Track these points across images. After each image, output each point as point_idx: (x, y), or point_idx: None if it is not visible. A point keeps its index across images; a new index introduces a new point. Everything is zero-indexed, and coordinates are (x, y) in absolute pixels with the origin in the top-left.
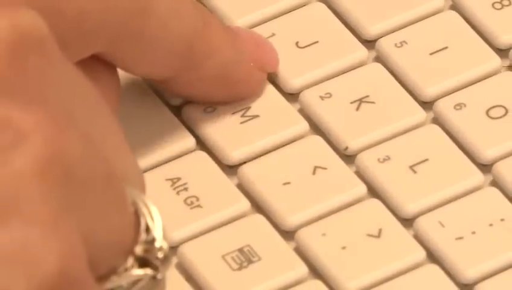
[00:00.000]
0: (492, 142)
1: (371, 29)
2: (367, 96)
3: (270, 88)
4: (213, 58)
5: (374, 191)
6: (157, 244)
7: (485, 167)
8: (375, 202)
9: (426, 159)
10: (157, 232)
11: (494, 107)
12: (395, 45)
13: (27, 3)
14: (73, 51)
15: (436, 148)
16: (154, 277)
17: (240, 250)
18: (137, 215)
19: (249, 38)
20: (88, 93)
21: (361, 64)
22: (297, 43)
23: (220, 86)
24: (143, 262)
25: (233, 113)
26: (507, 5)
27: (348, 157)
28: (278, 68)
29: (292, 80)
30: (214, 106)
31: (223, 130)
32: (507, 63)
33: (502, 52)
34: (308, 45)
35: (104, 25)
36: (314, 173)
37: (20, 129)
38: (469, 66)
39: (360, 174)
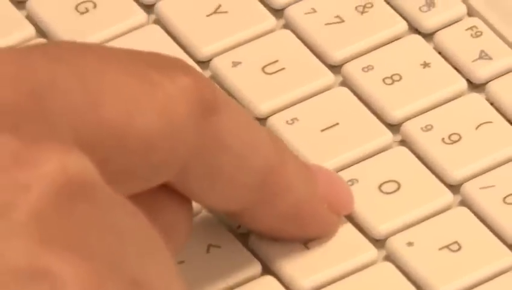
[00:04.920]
0: (385, 217)
1: (261, 108)
2: None
3: None
4: (285, 197)
5: (268, 268)
6: None
7: (378, 242)
8: (269, 279)
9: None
10: None
11: (386, 182)
12: (287, 122)
13: (82, 142)
14: (141, 181)
15: None
16: None
17: None
18: None
19: (324, 178)
20: (143, 237)
21: None
22: None
23: (290, 225)
24: None
25: None
26: (397, 80)
27: (243, 236)
28: (354, 211)
29: None
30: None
31: None
32: (399, 138)
33: (393, 127)
34: None
35: (174, 159)
36: (208, 251)
37: (58, 281)
38: (361, 141)
39: (254, 253)
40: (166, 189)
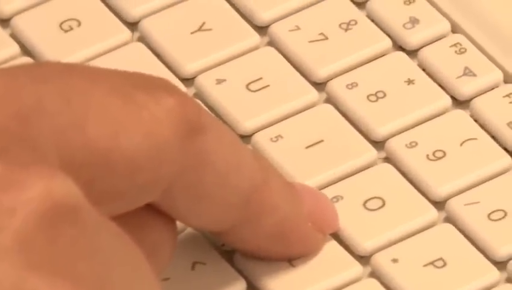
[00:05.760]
0: (369, 234)
1: (246, 125)
2: None
3: None
4: (270, 216)
5: (252, 286)
6: None
7: (362, 259)
8: None
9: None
10: None
11: (371, 199)
12: (271, 139)
13: (68, 163)
14: (126, 201)
15: None
16: None
17: None
18: None
19: (309, 196)
20: (128, 259)
21: None
22: None
23: (275, 244)
24: None
25: None
26: (382, 97)
27: (228, 253)
28: (339, 229)
29: None
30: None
31: None
32: (383, 155)
33: (378, 144)
34: None
35: (159, 179)
36: (193, 268)
37: None
38: (345, 158)
39: (239, 270)
40: (151, 209)
